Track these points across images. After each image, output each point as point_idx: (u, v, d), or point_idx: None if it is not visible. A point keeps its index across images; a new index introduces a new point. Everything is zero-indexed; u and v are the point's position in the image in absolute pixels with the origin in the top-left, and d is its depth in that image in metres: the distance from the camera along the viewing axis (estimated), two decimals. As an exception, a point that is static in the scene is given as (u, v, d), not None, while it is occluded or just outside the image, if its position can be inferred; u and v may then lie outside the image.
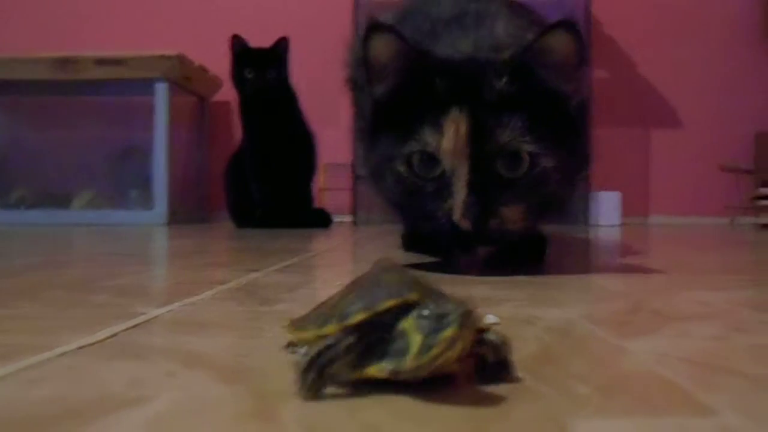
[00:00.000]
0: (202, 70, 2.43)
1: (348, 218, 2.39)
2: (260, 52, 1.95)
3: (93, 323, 0.36)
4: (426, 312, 0.22)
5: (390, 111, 0.66)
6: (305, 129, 2.04)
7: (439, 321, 0.21)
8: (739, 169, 2.49)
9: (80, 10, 2.69)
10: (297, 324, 0.27)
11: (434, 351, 0.21)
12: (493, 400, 0.22)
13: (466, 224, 0.58)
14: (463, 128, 0.59)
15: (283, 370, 0.25)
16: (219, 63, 2.26)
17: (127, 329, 0.34)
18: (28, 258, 0.84)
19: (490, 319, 0.36)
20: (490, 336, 0.25)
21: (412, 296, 0.23)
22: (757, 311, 0.42)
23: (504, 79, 0.61)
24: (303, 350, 0.24)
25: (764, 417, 0.21)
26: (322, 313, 0.26)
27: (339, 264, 0.82)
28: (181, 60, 2.22)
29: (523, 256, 0.77)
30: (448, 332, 0.21)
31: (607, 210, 2.34)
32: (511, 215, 0.61)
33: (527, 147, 0.60)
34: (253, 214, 1.96)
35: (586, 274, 0.65)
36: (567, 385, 0.24)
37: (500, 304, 0.44)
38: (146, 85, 2.21)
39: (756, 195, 2.05)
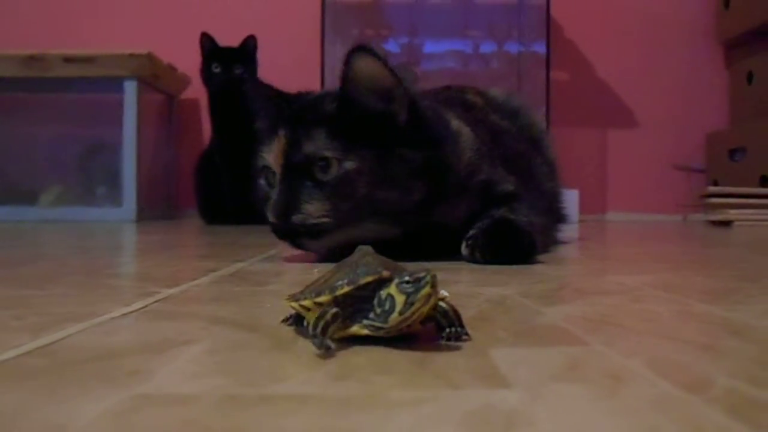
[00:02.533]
0: (171, 68, 2.46)
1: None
2: (228, 49, 2.01)
3: (121, 299, 0.44)
4: (406, 278, 0.30)
5: (262, 140, 0.82)
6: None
7: (416, 284, 0.29)
8: (691, 169, 2.66)
9: (49, 7, 2.70)
10: (296, 297, 0.35)
11: (415, 306, 0.29)
12: (440, 344, 0.31)
13: (272, 219, 0.74)
14: (281, 143, 0.74)
15: (286, 326, 0.34)
16: (187, 61, 2.31)
17: (153, 302, 0.43)
18: (21, 251, 0.90)
19: (443, 293, 0.46)
20: (443, 305, 0.34)
21: (385, 273, 0.32)
22: (657, 289, 0.53)
23: (333, 105, 0.74)
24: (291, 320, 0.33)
25: (618, 346, 0.31)
26: (316, 287, 0.35)
27: (313, 255, 0.91)
28: (150, 58, 2.25)
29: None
30: (425, 290, 0.29)
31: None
32: (314, 211, 0.72)
33: (329, 153, 0.71)
34: (223, 210, 2.02)
35: (533, 263, 0.75)
36: (492, 332, 0.34)
37: (453, 285, 0.53)
38: (115, 83, 2.24)
39: (706, 193, 2.19)
